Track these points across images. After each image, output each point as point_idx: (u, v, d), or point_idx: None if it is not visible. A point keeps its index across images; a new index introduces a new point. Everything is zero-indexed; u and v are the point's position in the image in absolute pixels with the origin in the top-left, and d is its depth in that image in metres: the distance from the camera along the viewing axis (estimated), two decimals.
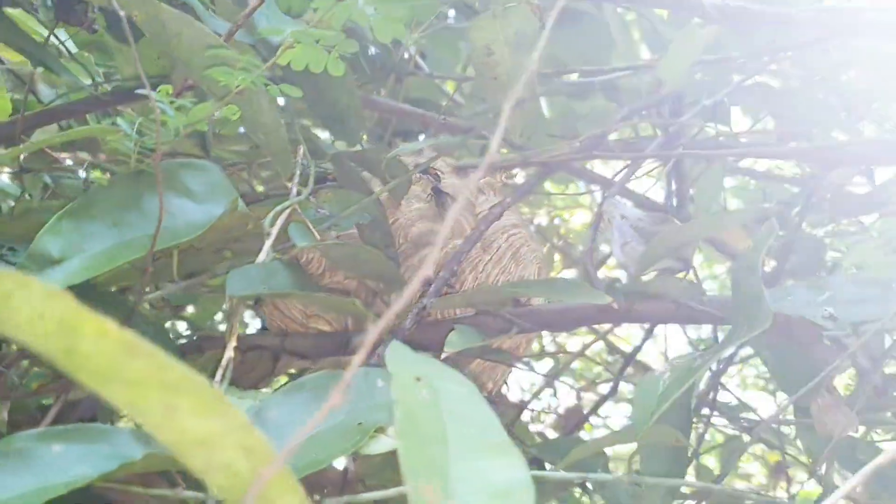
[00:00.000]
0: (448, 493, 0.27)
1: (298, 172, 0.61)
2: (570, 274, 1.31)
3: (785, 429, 0.92)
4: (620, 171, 0.82)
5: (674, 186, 0.88)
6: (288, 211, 0.57)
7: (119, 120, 0.43)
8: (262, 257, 0.53)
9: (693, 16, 0.63)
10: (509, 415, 0.94)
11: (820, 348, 0.66)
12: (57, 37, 0.72)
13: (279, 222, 0.56)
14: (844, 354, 0.61)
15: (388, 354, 0.34)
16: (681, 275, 0.74)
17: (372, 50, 0.82)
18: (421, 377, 0.33)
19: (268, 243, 0.54)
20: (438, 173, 0.73)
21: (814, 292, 0.64)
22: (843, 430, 0.63)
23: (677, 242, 0.67)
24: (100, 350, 0.23)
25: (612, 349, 1.29)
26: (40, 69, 0.71)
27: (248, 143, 0.89)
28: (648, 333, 1.02)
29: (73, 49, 0.78)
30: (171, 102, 0.43)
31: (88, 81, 0.77)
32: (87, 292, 0.49)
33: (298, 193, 0.60)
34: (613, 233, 0.74)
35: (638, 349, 1.03)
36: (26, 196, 0.64)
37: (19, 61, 0.79)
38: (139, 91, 0.45)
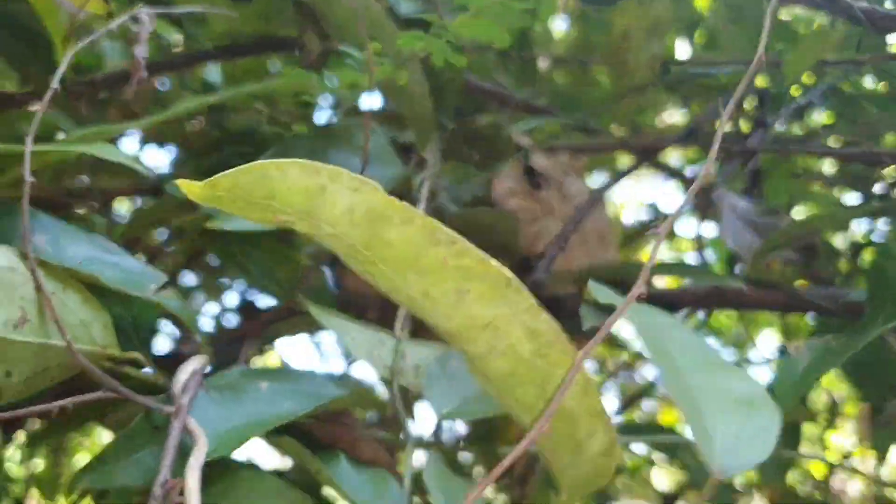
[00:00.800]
0: (697, 403, 0.28)
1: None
2: None
3: None
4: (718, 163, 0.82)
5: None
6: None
7: (326, 74, 0.45)
8: None
9: (839, 17, 0.62)
10: None
11: None
12: None
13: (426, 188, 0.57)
14: None
15: (597, 293, 0.35)
16: None
17: None
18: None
19: (421, 206, 0.55)
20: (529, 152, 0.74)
21: None
22: None
23: (797, 235, 0.68)
24: (405, 237, 0.24)
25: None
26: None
27: None
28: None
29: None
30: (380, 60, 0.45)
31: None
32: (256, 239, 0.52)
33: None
34: (725, 223, 0.75)
35: None
36: None
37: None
38: (343, 48, 0.46)
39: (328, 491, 0.47)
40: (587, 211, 0.73)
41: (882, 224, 0.87)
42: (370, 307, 0.66)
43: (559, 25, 0.94)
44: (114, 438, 0.37)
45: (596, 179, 0.99)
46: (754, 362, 1.07)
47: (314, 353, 0.98)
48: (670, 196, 1.31)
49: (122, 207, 0.82)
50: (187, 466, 0.35)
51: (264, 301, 0.67)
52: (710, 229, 0.94)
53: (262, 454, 0.56)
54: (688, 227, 1.13)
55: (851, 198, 0.99)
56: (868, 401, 0.76)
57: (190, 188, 0.22)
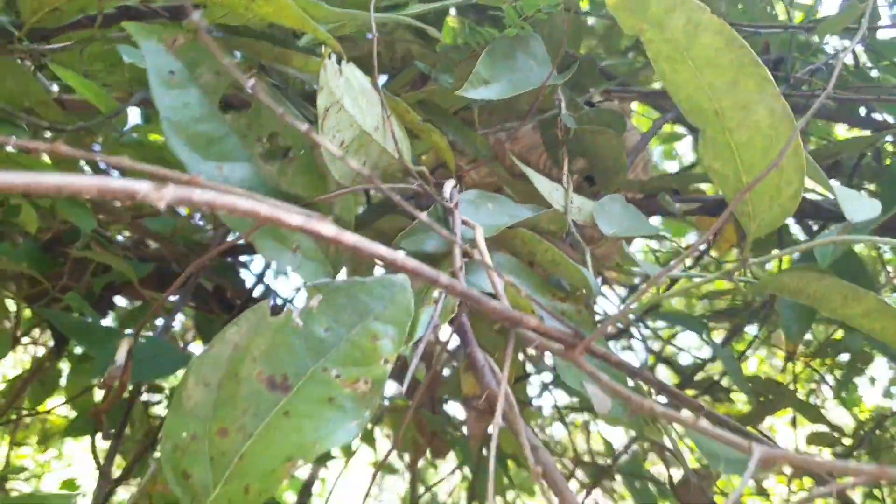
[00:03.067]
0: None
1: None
2: None
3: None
4: None
5: None
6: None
7: None
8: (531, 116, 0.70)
9: None
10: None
11: None
12: None
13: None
14: None
15: None
16: None
17: None
18: None
19: (563, 103, 0.70)
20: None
21: None
22: None
23: (820, 157, 0.85)
24: (714, 42, 0.38)
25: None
26: None
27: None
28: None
29: None
30: None
31: None
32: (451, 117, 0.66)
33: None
34: None
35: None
36: None
37: None
38: None
39: None
40: (644, 142, 0.89)
41: None
42: None
43: None
44: (415, 223, 0.51)
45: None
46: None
47: None
48: None
49: None
50: (475, 234, 0.50)
51: None
52: None
53: None
54: None
55: None
56: None
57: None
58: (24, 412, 1.21)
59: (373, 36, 0.49)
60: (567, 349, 0.39)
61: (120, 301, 1.16)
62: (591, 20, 1.12)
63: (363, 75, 0.48)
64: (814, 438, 1.24)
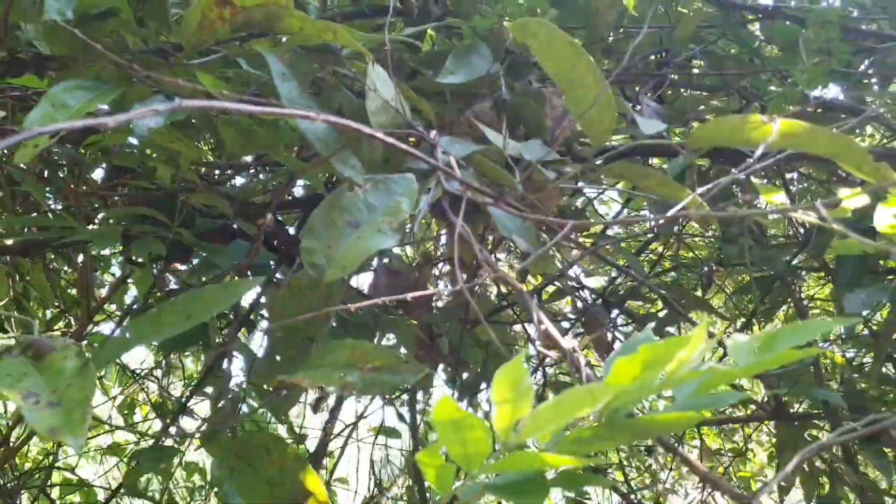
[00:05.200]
0: None
1: None
2: None
3: None
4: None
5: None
6: None
7: None
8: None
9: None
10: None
11: None
12: None
13: None
14: None
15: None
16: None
17: None
18: None
19: (504, 84, 1.07)
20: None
21: None
22: None
23: (687, 118, 1.23)
24: (560, 46, 0.75)
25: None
26: None
27: None
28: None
29: None
30: None
31: None
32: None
33: None
34: (645, 111, 1.29)
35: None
36: None
37: None
38: None
39: None
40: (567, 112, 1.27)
41: None
42: None
43: None
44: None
45: None
46: None
47: None
48: None
49: None
50: (450, 158, 0.86)
51: None
52: None
53: None
54: None
55: None
56: None
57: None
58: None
59: (387, 48, 0.85)
60: (495, 201, 0.76)
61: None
62: None
63: (383, 70, 0.85)
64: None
